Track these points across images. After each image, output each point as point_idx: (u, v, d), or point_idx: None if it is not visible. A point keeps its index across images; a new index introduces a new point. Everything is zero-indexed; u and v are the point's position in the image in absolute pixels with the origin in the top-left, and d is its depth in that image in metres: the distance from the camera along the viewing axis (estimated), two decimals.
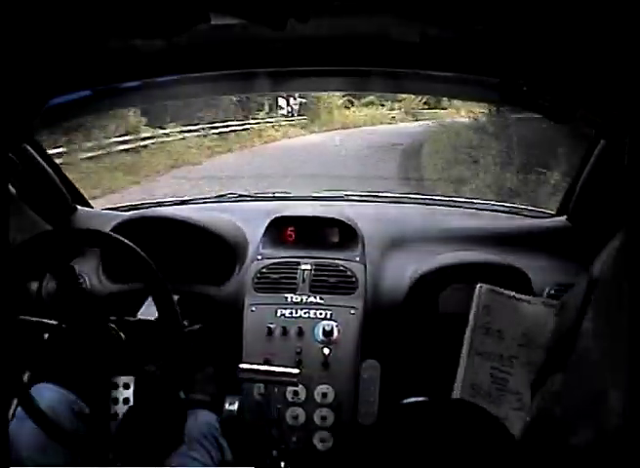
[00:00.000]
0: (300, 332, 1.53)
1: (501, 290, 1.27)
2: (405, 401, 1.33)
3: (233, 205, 2.04)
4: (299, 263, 1.65)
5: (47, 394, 1.28)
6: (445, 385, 1.29)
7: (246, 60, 1.36)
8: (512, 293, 1.29)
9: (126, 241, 1.14)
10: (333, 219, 1.75)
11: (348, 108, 14.18)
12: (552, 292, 1.55)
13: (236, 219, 1.82)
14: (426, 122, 12.32)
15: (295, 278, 1.62)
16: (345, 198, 2.11)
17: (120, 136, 8.68)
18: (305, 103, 12.88)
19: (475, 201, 2.12)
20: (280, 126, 12.44)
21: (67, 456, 1.22)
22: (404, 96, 11.88)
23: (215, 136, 10.41)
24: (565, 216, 1.76)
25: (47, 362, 1.21)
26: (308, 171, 7.75)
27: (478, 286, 1.22)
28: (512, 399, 1.14)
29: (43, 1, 0.85)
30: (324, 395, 1.48)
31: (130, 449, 1.07)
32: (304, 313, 1.56)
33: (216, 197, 2.15)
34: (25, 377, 1.20)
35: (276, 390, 1.42)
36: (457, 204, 2.07)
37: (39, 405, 1.16)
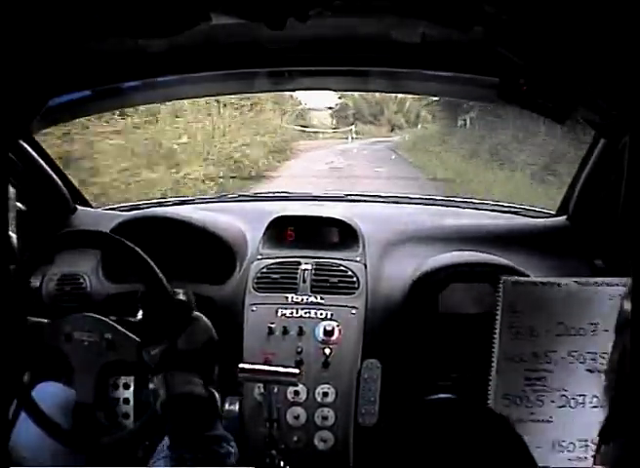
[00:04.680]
0: (301, 332, 1.53)
1: (527, 278, 1.18)
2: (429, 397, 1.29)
3: (233, 205, 2.04)
4: (299, 263, 1.65)
5: (47, 394, 1.28)
6: (445, 385, 1.29)
7: (246, 60, 1.36)
8: (538, 279, 1.18)
9: (126, 241, 1.14)
10: (333, 219, 1.75)
11: None
12: None
13: (236, 219, 1.82)
14: None
15: (295, 278, 1.62)
16: (345, 198, 2.11)
17: None
18: None
19: (475, 201, 2.12)
20: None
21: (67, 456, 1.22)
22: None
23: None
24: (565, 216, 1.76)
25: (47, 362, 1.21)
26: None
27: (502, 281, 1.12)
28: (555, 396, 1.07)
29: (43, 1, 0.85)
30: (325, 395, 1.48)
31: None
32: (305, 313, 1.56)
33: (216, 197, 2.15)
34: (25, 377, 1.20)
35: (276, 390, 1.42)
36: (456, 204, 2.07)
37: (39, 405, 1.15)
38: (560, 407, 1.07)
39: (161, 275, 1.11)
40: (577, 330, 1.09)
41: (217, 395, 1.08)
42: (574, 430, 1.04)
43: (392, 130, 15.19)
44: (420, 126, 14.05)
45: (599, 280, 1.10)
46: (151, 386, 1.07)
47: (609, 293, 1.08)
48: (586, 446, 1.03)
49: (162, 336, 1.06)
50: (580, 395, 1.07)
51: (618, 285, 1.08)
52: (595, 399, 1.05)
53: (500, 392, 1.07)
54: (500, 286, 1.11)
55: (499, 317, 1.09)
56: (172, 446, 1.03)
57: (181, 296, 1.10)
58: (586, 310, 1.09)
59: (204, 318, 1.11)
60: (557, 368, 1.09)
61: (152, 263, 1.12)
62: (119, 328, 1.15)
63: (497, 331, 1.09)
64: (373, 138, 13.83)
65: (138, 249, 1.13)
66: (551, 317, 1.11)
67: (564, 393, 1.08)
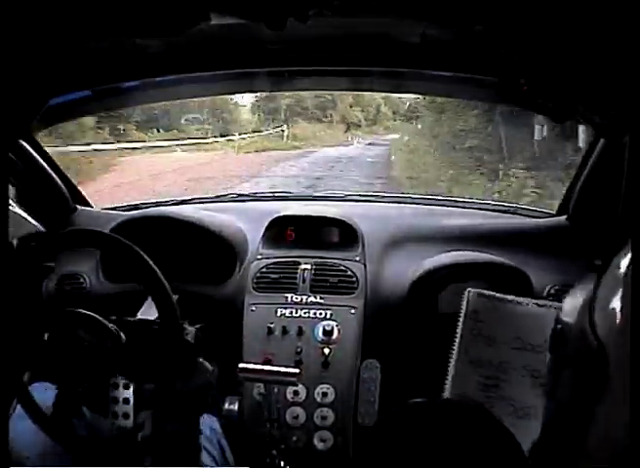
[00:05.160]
0: (301, 332, 1.53)
1: (492, 293, 1.23)
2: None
3: (233, 205, 2.04)
4: (299, 263, 1.65)
5: (47, 394, 1.28)
6: (445, 384, 1.29)
7: (246, 60, 1.36)
8: (503, 296, 1.24)
9: (125, 241, 1.14)
10: (333, 219, 1.75)
11: None
12: (552, 291, 1.55)
13: (236, 219, 1.82)
14: None
15: (295, 278, 1.62)
16: (345, 198, 2.11)
17: None
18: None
19: (475, 201, 2.12)
20: None
21: (67, 456, 1.22)
22: None
23: None
24: (565, 216, 1.76)
25: (47, 362, 1.21)
26: None
27: (467, 291, 1.19)
28: (504, 405, 1.11)
29: (43, 1, 0.85)
30: (324, 394, 1.48)
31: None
32: (304, 313, 1.56)
33: (216, 197, 2.15)
34: (25, 377, 1.20)
35: (276, 390, 1.42)
36: (456, 204, 2.06)
37: (39, 405, 1.15)
38: (507, 415, 1.11)
39: (161, 276, 1.11)
40: (532, 346, 1.14)
41: (199, 436, 1.10)
42: (519, 441, 1.08)
43: (347, 129, 12.77)
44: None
45: (556, 304, 1.15)
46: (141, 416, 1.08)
47: None
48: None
49: (160, 374, 1.07)
50: (527, 407, 1.11)
51: None
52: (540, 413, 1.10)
53: (456, 391, 1.11)
54: (465, 295, 1.16)
55: (460, 321, 1.13)
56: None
57: (190, 337, 1.10)
58: (543, 329, 1.13)
59: (206, 364, 1.13)
60: (510, 378, 1.13)
61: (152, 264, 1.12)
62: (122, 339, 1.15)
63: (458, 333, 1.13)
64: (324, 146, 10.91)
65: (138, 249, 1.13)
66: (510, 331, 1.16)
67: (512, 403, 1.12)
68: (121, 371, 1.16)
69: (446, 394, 1.09)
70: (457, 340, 1.12)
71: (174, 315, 1.09)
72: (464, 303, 1.15)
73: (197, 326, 1.13)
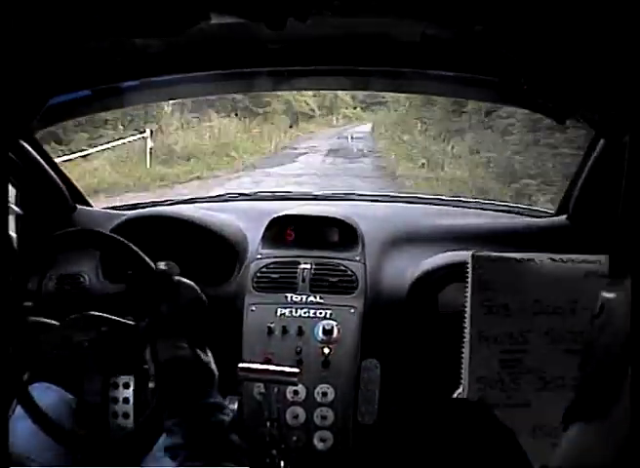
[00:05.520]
0: (300, 332, 1.53)
1: (499, 254, 1.09)
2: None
3: (233, 204, 2.04)
4: (298, 263, 1.65)
5: (47, 394, 1.28)
6: (445, 385, 1.29)
7: (246, 60, 1.36)
8: (512, 255, 1.11)
9: (125, 241, 1.14)
10: (333, 219, 1.75)
11: None
12: None
13: (236, 219, 1.82)
14: None
15: (295, 277, 1.62)
16: (345, 198, 2.11)
17: None
18: None
19: (475, 200, 2.13)
20: None
21: (67, 456, 1.22)
22: None
23: None
24: (565, 216, 1.76)
25: (47, 362, 1.21)
26: None
27: (470, 256, 1.05)
28: (532, 379, 1.00)
29: (43, 1, 0.85)
30: (324, 394, 1.48)
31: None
32: (304, 312, 1.56)
33: (216, 196, 2.15)
34: (25, 377, 1.20)
35: (276, 390, 1.42)
36: (456, 203, 2.07)
37: (39, 405, 1.15)
38: (537, 389, 1.00)
39: (144, 255, 1.11)
40: (553, 308, 1.02)
41: (207, 357, 1.05)
42: (554, 414, 1.00)
43: (293, 125, 10.49)
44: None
45: (575, 257, 1.05)
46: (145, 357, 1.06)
47: (585, 270, 1.03)
48: None
49: (147, 308, 1.05)
50: (560, 377, 1.00)
51: (594, 262, 1.04)
52: (575, 381, 1.02)
53: (475, 375, 1.01)
54: (469, 260, 1.05)
55: (469, 294, 1.03)
56: (168, 415, 1.00)
57: (162, 266, 1.09)
58: (564, 288, 1.02)
59: (188, 281, 1.09)
60: (533, 348, 1.02)
61: (152, 264, 1.12)
62: (113, 317, 1.14)
63: (467, 308, 1.03)
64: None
65: (137, 249, 1.12)
66: (526, 294, 1.03)
67: (541, 375, 1.01)
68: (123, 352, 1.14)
69: (464, 381, 1.02)
70: (467, 317, 1.02)
71: (143, 261, 1.09)
72: (469, 271, 1.04)
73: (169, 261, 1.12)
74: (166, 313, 1.04)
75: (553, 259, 1.05)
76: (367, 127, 12.09)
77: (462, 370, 1.01)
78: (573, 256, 1.03)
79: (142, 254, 1.10)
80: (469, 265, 1.01)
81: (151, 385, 1.07)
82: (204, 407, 1.00)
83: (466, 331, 1.00)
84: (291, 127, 10.58)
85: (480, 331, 1.02)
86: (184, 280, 1.09)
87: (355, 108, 12.42)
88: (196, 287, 1.09)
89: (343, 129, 12.33)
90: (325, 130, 12.84)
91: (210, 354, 1.06)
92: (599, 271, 1.01)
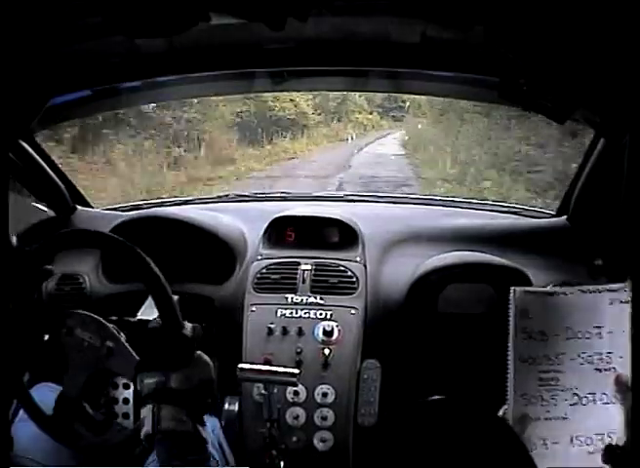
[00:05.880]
0: (301, 333, 1.53)
1: (537, 289, 1.25)
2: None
3: (233, 205, 2.04)
4: (299, 263, 1.65)
5: (47, 394, 1.28)
6: (445, 384, 1.29)
7: (245, 60, 1.35)
8: (548, 290, 1.27)
9: (125, 241, 1.14)
10: (333, 219, 1.75)
11: None
12: None
13: (236, 219, 1.83)
14: None
15: (295, 278, 1.62)
16: (345, 198, 2.11)
17: None
18: None
19: (475, 201, 2.13)
20: None
21: (68, 457, 1.22)
22: None
23: None
24: (565, 217, 1.76)
25: (47, 362, 1.21)
26: None
27: (512, 290, 1.22)
28: (567, 395, 1.13)
29: (43, 1, 0.85)
30: (324, 395, 1.48)
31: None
32: (305, 313, 1.56)
33: (216, 197, 2.15)
34: (25, 377, 1.20)
35: (276, 390, 1.42)
36: (456, 204, 2.07)
37: (39, 405, 1.15)
38: (572, 404, 1.13)
39: (162, 276, 1.11)
40: (583, 333, 1.17)
41: (204, 433, 1.08)
42: (588, 425, 1.10)
43: (257, 142, 6.44)
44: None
45: (600, 287, 1.19)
46: (142, 413, 1.07)
47: (609, 298, 1.18)
48: (602, 439, 1.10)
49: (159, 368, 1.06)
50: (591, 393, 1.14)
51: (617, 290, 1.17)
52: (604, 396, 1.14)
53: (518, 392, 1.14)
54: (511, 294, 1.19)
55: (511, 322, 1.16)
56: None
57: (188, 332, 1.09)
58: (591, 315, 1.17)
59: (206, 358, 1.10)
60: (567, 368, 1.15)
61: (153, 264, 1.11)
62: (122, 340, 1.15)
63: (510, 335, 1.16)
64: None
65: (137, 249, 1.12)
66: (559, 322, 1.17)
67: (575, 392, 1.14)
68: (121, 371, 1.15)
69: (509, 397, 1.12)
70: (510, 341, 1.15)
71: (174, 315, 1.09)
72: (512, 303, 1.18)
73: (196, 324, 1.13)
74: (177, 386, 1.05)
75: (582, 290, 1.18)
76: (394, 140, 8.80)
77: (507, 389, 1.14)
78: (599, 287, 1.19)
79: (163, 279, 1.09)
80: (511, 298, 1.17)
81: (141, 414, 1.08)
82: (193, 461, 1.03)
83: (509, 354, 1.14)
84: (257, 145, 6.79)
85: (521, 355, 1.15)
86: (204, 356, 1.10)
87: (371, 113, 9.00)
88: (212, 365, 1.10)
89: (358, 145, 8.41)
90: (327, 146, 8.45)
91: (207, 425, 1.10)
92: (622, 298, 1.14)
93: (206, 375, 1.09)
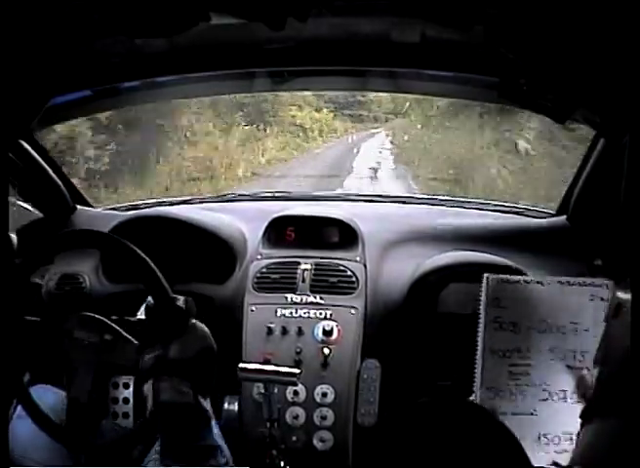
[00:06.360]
0: (300, 332, 1.53)
1: (509, 277, 1.19)
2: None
3: (233, 205, 2.04)
4: (298, 263, 1.65)
5: (47, 395, 1.28)
6: (445, 385, 1.29)
7: (246, 60, 1.36)
8: (522, 278, 1.20)
9: (125, 241, 1.14)
10: (333, 219, 1.75)
11: None
12: None
13: (236, 219, 1.82)
14: None
15: (295, 278, 1.62)
16: (345, 198, 2.11)
17: None
18: None
19: (475, 200, 2.12)
20: None
21: (67, 457, 1.22)
22: None
23: None
24: (565, 216, 1.76)
25: (46, 360, 1.21)
26: None
27: (485, 276, 1.16)
28: (537, 391, 1.09)
29: (43, 1, 0.85)
30: (324, 395, 1.48)
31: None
32: (304, 313, 1.56)
33: (216, 197, 2.15)
34: (25, 378, 1.20)
35: (276, 390, 1.42)
36: (456, 204, 2.07)
37: (39, 405, 1.15)
38: (542, 400, 1.09)
39: (161, 276, 1.11)
40: (558, 327, 1.11)
41: (207, 405, 1.06)
42: (558, 424, 1.08)
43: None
44: None
45: (581, 280, 1.13)
46: (144, 391, 1.06)
47: (590, 294, 1.13)
48: (572, 439, 1.05)
49: (157, 342, 1.05)
50: (562, 390, 1.10)
51: (599, 286, 1.12)
52: (576, 395, 1.09)
53: (485, 384, 1.10)
54: (484, 282, 1.13)
55: (482, 311, 1.11)
56: (162, 453, 1.02)
57: (181, 303, 1.09)
58: (568, 309, 1.12)
59: (202, 326, 1.09)
60: (539, 363, 1.11)
61: (152, 264, 1.12)
62: (119, 330, 1.15)
63: (480, 324, 1.11)
64: None
65: (137, 249, 1.13)
66: (534, 314, 1.13)
67: (545, 387, 1.10)
68: (123, 361, 1.14)
69: (476, 390, 1.08)
70: (479, 331, 1.10)
71: (164, 290, 1.09)
72: (483, 291, 1.12)
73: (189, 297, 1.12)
74: (175, 356, 1.04)
75: (561, 282, 1.16)
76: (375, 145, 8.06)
77: (475, 380, 1.08)
78: (580, 279, 1.13)
79: (164, 281, 1.09)
80: (483, 286, 1.11)
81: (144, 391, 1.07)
82: (199, 449, 1.01)
83: (479, 344, 1.09)
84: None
85: (491, 346, 1.11)
86: (200, 324, 1.09)
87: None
88: (209, 333, 1.09)
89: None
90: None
91: (209, 399, 1.08)
92: (603, 295, 1.09)
93: (204, 344, 1.08)
